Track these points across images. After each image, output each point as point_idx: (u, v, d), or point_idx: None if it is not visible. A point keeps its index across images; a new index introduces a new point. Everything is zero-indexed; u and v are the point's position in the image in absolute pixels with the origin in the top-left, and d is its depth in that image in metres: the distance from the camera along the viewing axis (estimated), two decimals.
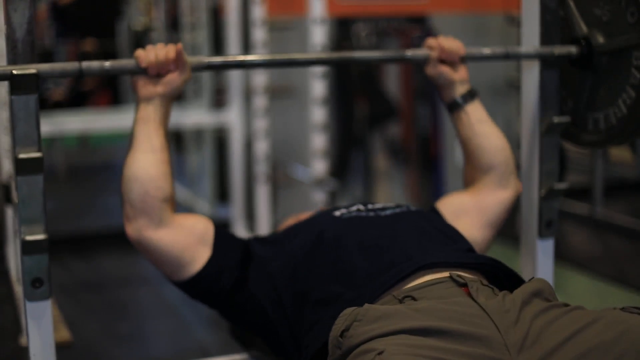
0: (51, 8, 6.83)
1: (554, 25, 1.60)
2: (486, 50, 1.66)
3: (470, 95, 1.70)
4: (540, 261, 1.67)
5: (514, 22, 4.39)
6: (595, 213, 4.25)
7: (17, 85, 1.26)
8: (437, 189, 4.70)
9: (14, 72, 1.26)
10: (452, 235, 1.52)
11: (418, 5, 4.75)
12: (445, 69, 1.66)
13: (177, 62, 1.50)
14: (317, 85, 3.42)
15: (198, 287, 1.55)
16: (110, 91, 6.74)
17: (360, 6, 4.61)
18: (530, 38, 1.61)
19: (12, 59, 1.27)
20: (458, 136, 1.73)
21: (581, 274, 3.44)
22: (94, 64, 1.39)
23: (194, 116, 4.56)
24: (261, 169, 3.89)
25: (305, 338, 1.37)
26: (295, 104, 4.26)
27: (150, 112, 1.51)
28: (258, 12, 3.76)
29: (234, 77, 4.06)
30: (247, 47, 4.07)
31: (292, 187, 4.25)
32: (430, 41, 1.67)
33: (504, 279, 1.37)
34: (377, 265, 1.36)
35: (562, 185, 1.65)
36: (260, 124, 3.87)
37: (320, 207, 1.96)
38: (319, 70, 3.41)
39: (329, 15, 3.74)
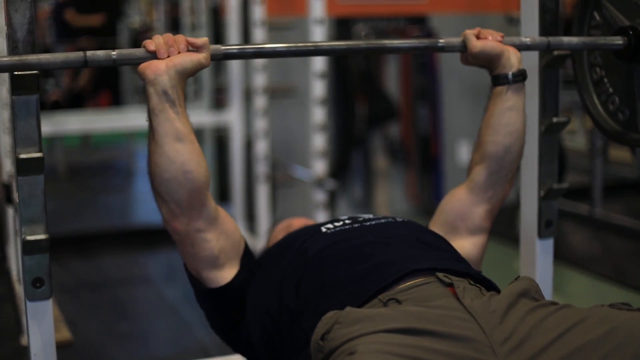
0: (55, 19, 6.83)
1: (553, 25, 1.60)
2: (526, 39, 1.55)
3: (521, 75, 1.54)
4: (539, 261, 1.67)
5: (514, 22, 4.39)
6: (595, 213, 4.25)
7: (18, 85, 1.27)
8: (437, 189, 4.70)
9: (15, 72, 1.26)
10: (438, 244, 1.49)
11: (418, 5, 4.75)
12: (489, 42, 1.51)
13: (191, 45, 1.37)
14: (317, 85, 3.42)
15: (221, 299, 1.50)
16: (110, 92, 6.74)
17: (360, 6, 4.61)
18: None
19: None
20: (485, 109, 1.58)
21: (580, 273, 3.44)
22: (100, 53, 1.30)
23: (194, 116, 4.52)
24: (261, 169, 3.89)
25: (301, 356, 1.33)
26: (295, 104, 4.26)
27: (162, 98, 1.34)
28: (258, 12, 3.77)
29: (234, 77, 4.06)
30: None
31: (292, 187, 4.25)
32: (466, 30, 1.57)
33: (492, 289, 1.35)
34: (358, 274, 1.33)
35: (561, 185, 1.65)
36: (260, 124, 3.87)
37: (303, 219, 1.90)
38: (319, 70, 3.41)
39: (329, 15, 3.74)
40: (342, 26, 4.55)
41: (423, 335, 1.11)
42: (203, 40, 1.38)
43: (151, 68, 1.33)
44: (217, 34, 4.58)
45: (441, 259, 1.38)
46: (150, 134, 1.37)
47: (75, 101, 6.40)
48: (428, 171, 4.70)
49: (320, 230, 1.52)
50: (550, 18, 1.59)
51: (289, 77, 4.34)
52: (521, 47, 1.55)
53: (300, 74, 3.98)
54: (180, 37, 1.37)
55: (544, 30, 1.59)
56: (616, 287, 3.26)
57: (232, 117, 4.09)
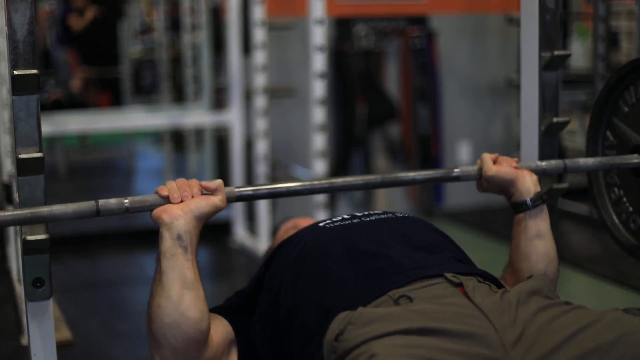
0: (59, 23, 6.83)
1: (552, 25, 1.60)
2: (542, 163, 1.55)
3: (539, 199, 1.51)
4: None
5: (514, 22, 4.39)
6: (595, 213, 4.25)
7: (19, 85, 1.27)
8: (437, 189, 4.70)
9: (15, 72, 1.26)
10: (441, 243, 1.48)
11: (418, 5, 4.75)
12: (503, 168, 1.51)
13: (205, 188, 1.38)
14: (317, 85, 3.42)
15: None
16: (110, 92, 6.74)
17: (360, 6, 4.61)
18: (530, 38, 1.62)
19: (14, 60, 1.27)
20: (512, 236, 1.55)
21: (580, 273, 3.44)
22: (112, 202, 1.32)
23: (194, 116, 4.57)
24: (261, 169, 3.89)
25: (305, 352, 1.33)
26: (295, 104, 4.26)
27: (176, 242, 1.30)
28: (258, 12, 3.77)
29: (234, 77, 4.07)
30: (247, 48, 4.08)
31: None
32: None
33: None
34: (365, 276, 1.33)
35: (561, 185, 1.65)
36: (260, 124, 3.87)
37: (309, 219, 1.88)
38: (319, 70, 3.41)
39: (329, 15, 3.74)
40: (342, 26, 4.55)
41: (437, 335, 1.12)
42: (217, 183, 1.38)
43: (168, 212, 1.32)
44: (217, 34, 4.59)
45: (447, 260, 1.38)
46: (157, 275, 1.33)
47: (78, 105, 6.41)
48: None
49: (318, 226, 1.51)
50: (550, 17, 1.60)
51: (289, 77, 4.34)
52: (537, 172, 1.54)
53: (300, 74, 3.98)
54: (193, 182, 1.38)
55: (544, 30, 1.60)
56: (616, 287, 3.26)
57: (232, 117, 4.09)
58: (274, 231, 2.11)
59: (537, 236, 1.51)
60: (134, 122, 4.55)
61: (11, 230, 3.10)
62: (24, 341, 2.62)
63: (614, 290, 3.24)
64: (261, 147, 3.88)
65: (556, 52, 1.59)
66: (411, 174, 1.58)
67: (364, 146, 4.67)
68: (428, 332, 1.12)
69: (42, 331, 1.35)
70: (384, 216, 1.53)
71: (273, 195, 1.51)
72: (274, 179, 4.07)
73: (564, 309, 1.19)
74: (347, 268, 1.36)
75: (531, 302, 1.20)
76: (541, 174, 1.56)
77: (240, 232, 4.15)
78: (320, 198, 3.45)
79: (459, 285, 1.26)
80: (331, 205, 3.78)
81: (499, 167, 1.51)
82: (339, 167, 4.55)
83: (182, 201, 1.34)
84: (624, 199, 1.59)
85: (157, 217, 1.33)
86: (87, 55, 6.54)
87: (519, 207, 1.51)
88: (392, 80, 4.72)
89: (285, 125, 4.34)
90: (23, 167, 1.28)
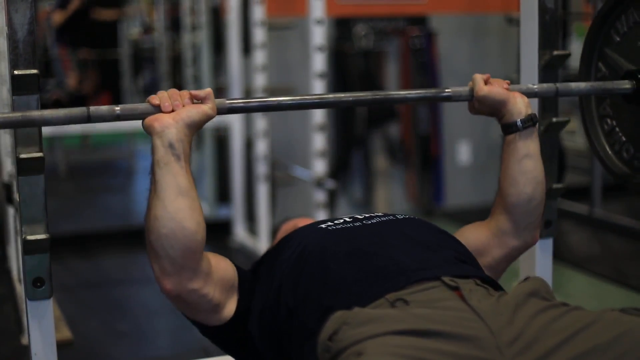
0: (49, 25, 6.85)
1: (552, 25, 1.61)
2: (534, 86, 1.55)
3: (530, 121, 1.50)
4: (539, 260, 1.68)
5: (514, 22, 4.39)
6: (594, 213, 4.26)
7: (19, 85, 1.27)
8: (437, 189, 4.70)
9: (15, 72, 1.26)
10: (443, 243, 1.47)
11: (418, 5, 4.75)
12: (495, 88, 1.51)
13: (194, 97, 1.38)
14: (317, 85, 3.43)
15: (231, 331, 1.48)
16: (111, 92, 6.74)
17: (360, 6, 4.61)
18: (529, 38, 1.62)
19: (14, 60, 1.28)
20: (501, 159, 1.54)
21: (580, 273, 3.44)
22: (103, 108, 1.32)
23: None
24: (261, 169, 3.89)
25: (303, 351, 1.33)
26: None
27: (168, 150, 1.31)
28: (258, 12, 3.77)
29: (234, 77, 4.07)
30: (247, 48, 4.08)
31: (292, 187, 4.25)
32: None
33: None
34: (365, 275, 1.33)
35: (561, 185, 1.65)
36: (260, 124, 3.87)
37: (309, 219, 1.88)
38: (319, 70, 3.42)
39: (328, 15, 3.74)
40: (342, 26, 4.55)
41: (430, 337, 1.11)
42: (206, 91, 1.38)
43: (159, 120, 1.33)
44: (217, 34, 4.59)
45: (447, 262, 1.38)
46: (152, 186, 1.34)
47: (78, 102, 6.40)
48: (428, 171, 4.70)
49: (320, 227, 1.51)
50: (550, 18, 1.60)
51: (289, 77, 4.34)
52: (529, 94, 1.53)
53: (300, 74, 3.98)
54: (184, 92, 1.38)
55: (544, 30, 1.60)
56: (615, 287, 3.27)
57: (232, 117, 4.09)
58: (274, 232, 2.11)
59: (526, 156, 1.50)
60: (134, 122, 4.55)
61: (11, 230, 3.10)
62: (24, 341, 2.62)
63: (613, 290, 3.24)
64: (261, 147, 3.89)
65: (556, 52, 1.59)
66: (403, 92, 1.59)
67: (364, 146, 4.67)
68: (421, 333, 1.12)
69: (43, 331, 1.35)
70: (385, 218, 1.53)
71: (264, 109, 1.51)
72: (274, 180, 4.08)
73: (561, 311, 1.19)
74: (348, 268, 1.36)
75: (529, 304, 1.20)
76: (533, 97, 1.56)
77: (240, 232, 4.15)
78: (320, 198, 3.46)
79: (456, 288, 1.26)
80: (331, 205, 3.78)
81: (490, 87, 1.51)
82: (339, 167, 4.55)
83: (173, 110, 1.35)
84: (617, 129, 1.60)
85: (149, 126, 1.34)
86: (84, 38, 6.51)
87: (509, 127, 1.50)
88: (392, 80, 4.72)
89: (285, 125, 4.34)
90: (23, 167, 1.29)
